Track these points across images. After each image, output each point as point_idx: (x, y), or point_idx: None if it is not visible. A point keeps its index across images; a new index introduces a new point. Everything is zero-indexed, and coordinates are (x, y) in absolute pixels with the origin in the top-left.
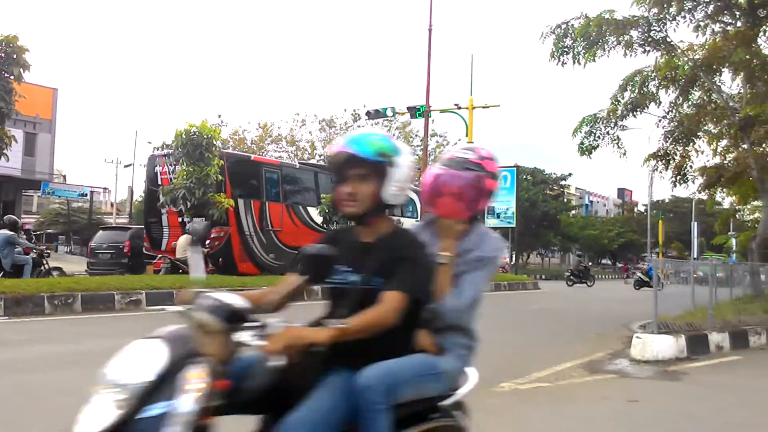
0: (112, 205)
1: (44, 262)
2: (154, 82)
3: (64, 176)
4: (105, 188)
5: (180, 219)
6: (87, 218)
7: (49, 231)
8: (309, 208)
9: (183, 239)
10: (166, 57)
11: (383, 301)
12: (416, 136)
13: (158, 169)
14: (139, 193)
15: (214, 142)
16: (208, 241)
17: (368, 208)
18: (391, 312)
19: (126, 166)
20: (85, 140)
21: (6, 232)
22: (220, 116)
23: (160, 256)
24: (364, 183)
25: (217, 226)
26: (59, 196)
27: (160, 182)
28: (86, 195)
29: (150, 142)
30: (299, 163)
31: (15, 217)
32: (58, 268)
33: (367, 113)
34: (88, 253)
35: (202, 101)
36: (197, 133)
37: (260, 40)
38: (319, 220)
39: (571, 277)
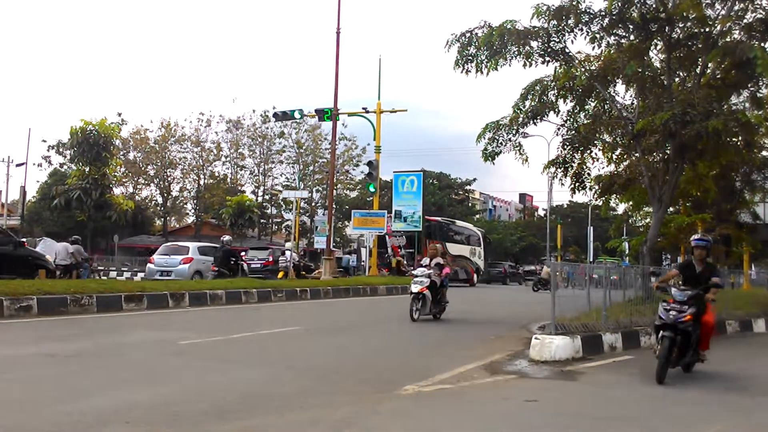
0: (2, 205)
1: None
2: (49, 75)
3: None
4: None
5: (400, 250)
6: None
7: None
8: (448, 244)
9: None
10: (63, 49)
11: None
12: (325, 139)
13: (388, 241)
14: (32, 194)
15: (113, 141)
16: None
17: None
18: None
19: (18, 165)
20: None
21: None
22: (120, 114)
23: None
24: None
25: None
26: None
27: (389, 245)
28: None
29: (45, 140)
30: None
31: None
32: None
33: (275, 115)
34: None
35: (101, 97)
36: (95, 132)
37: (164, 34)
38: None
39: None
